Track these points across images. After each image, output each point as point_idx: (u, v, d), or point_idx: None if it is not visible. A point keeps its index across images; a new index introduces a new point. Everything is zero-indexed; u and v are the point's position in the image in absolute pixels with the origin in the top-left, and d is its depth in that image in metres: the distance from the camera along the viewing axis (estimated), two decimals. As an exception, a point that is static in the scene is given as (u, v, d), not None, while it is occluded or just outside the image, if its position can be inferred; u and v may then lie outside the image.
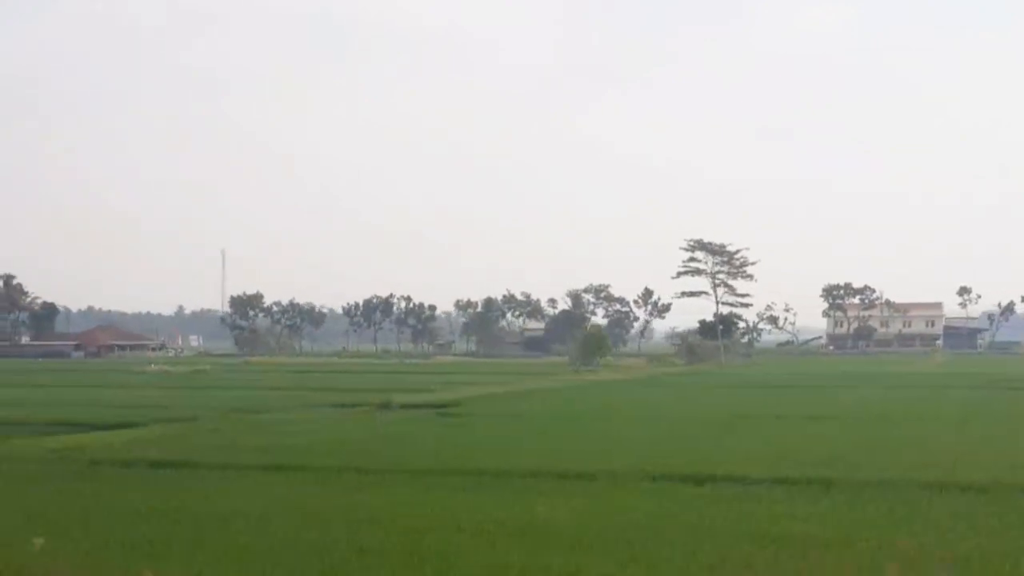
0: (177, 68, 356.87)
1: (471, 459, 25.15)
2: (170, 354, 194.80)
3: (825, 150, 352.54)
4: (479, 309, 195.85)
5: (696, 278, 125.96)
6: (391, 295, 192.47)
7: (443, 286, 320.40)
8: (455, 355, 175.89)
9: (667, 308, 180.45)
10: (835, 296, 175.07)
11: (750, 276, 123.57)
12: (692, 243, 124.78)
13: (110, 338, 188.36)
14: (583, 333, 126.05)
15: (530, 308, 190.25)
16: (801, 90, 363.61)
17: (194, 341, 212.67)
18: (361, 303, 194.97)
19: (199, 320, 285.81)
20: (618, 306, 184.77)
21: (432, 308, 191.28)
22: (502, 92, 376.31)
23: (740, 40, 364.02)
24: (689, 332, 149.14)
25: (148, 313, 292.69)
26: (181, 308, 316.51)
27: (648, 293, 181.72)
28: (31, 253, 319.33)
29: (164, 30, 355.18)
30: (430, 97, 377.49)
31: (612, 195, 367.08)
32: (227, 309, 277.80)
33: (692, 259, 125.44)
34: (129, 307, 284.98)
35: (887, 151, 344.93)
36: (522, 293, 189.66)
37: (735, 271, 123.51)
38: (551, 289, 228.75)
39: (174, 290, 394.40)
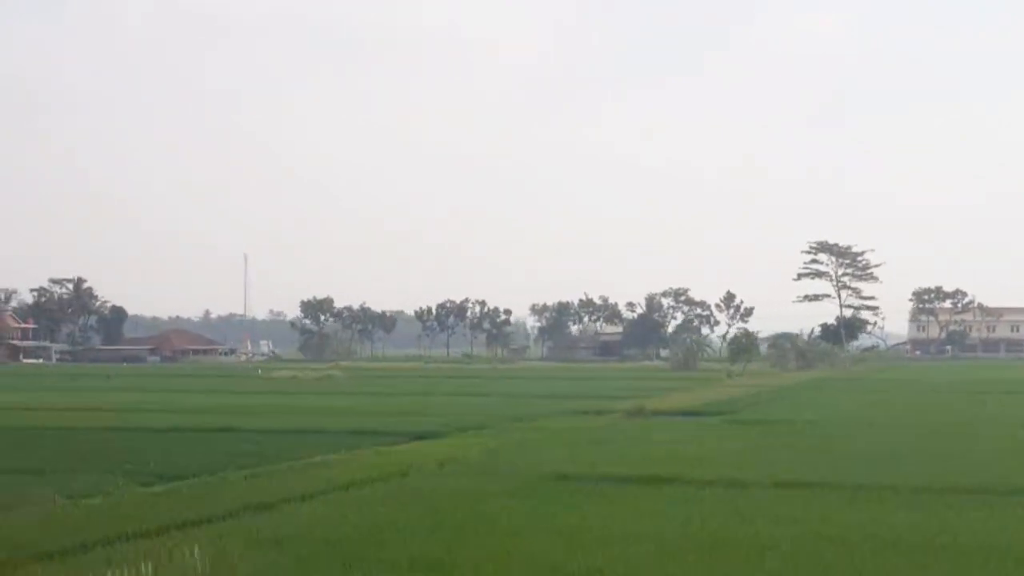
0: (189, 80, 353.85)
1: (851, 471, 22.56)
2: (242, 358, 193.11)
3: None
4: (551, 313, 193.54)
5: (817, 281, 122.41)
6: (466, 299, 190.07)
7: (517, 291, 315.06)
8: (527, 360, 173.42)
9: (749, 312, 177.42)
10: (925, 300, 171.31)
11: (875, 278, 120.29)
12: (815, 245, 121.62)
13: (184, 342, 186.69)
14: (689, 338, 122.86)
15: (607, 312, 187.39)
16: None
17: (265, 346, 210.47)
18: (434, 307, 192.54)
19: (256, 325, 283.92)
20: (699, 310, 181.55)
21: (507, 312, 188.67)
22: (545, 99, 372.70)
23: (752, 40, 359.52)
24: (796, 335, 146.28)
25: (179, 317, 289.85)
26: (207, 312, 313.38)
27: (730, 297, 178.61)
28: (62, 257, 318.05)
29: (175, 42, 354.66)
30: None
31: (693, 199, 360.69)
32: (251, 314, 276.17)
33: (814, 261, 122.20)
34: (160, 311, 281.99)
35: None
36: (600, 297, 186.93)
37: (860, 273, 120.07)
38: (629, 293, 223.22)
39: (198, 294, 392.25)
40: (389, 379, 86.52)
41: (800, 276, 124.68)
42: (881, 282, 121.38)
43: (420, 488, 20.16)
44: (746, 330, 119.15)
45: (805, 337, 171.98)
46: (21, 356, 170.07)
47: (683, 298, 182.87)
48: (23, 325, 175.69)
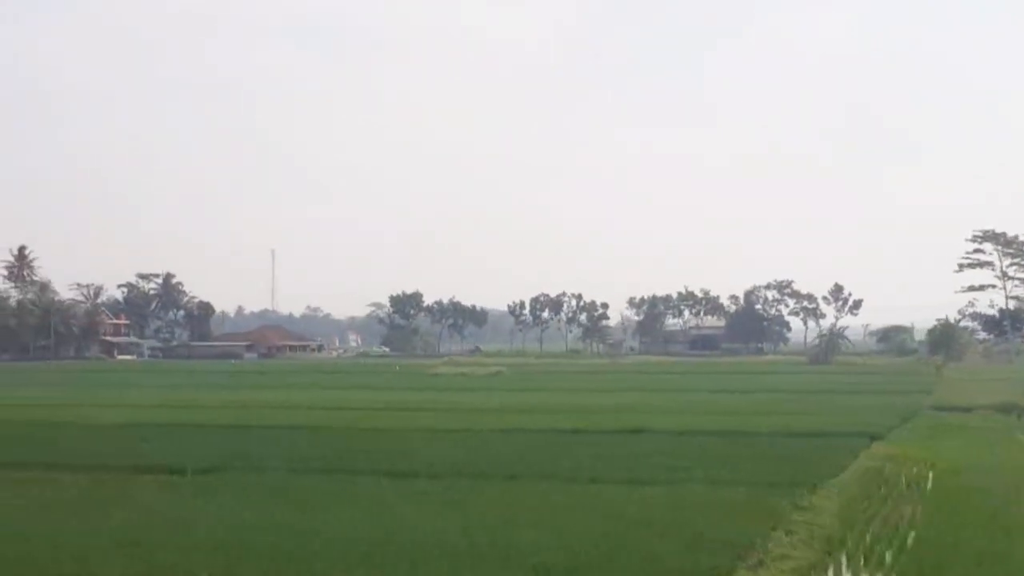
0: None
1: None
2: (333, 354, 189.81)
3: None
4: (648, 307, 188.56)
5: (981, 271, 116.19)
6: (562, 293, 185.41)
7: (612, 284, 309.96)
8: (633, 355, 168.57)
9: (858, 305, 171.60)
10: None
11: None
12: (980, 234, 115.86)
13: (278, 338, 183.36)
14: (939, 328, 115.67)
15: (709, 305, 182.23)
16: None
17: (353, 341, 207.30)
18: (528, 301, 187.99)
19: (331, 322, 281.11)
20: (805, 303, 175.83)
21: (604, 306, 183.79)
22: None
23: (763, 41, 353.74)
24: (909, 328, 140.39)
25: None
26: (240, 308, 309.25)
27: (838, 289, 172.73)
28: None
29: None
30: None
31: (801, 189, 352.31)
32: (276, 309, 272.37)
33: (977, 251, 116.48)
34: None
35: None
36: (701, 290, 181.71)
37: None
38: (731, 286, 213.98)
39: (225, 290, 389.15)
40: (561, 375, 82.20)
41: (962, 267, 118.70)
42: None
43: None
44: (947, 320, 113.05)
45: (915, 330, 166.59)
46: (115, 352, 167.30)
47: (787, 290, 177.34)
48: (118, 321, 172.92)
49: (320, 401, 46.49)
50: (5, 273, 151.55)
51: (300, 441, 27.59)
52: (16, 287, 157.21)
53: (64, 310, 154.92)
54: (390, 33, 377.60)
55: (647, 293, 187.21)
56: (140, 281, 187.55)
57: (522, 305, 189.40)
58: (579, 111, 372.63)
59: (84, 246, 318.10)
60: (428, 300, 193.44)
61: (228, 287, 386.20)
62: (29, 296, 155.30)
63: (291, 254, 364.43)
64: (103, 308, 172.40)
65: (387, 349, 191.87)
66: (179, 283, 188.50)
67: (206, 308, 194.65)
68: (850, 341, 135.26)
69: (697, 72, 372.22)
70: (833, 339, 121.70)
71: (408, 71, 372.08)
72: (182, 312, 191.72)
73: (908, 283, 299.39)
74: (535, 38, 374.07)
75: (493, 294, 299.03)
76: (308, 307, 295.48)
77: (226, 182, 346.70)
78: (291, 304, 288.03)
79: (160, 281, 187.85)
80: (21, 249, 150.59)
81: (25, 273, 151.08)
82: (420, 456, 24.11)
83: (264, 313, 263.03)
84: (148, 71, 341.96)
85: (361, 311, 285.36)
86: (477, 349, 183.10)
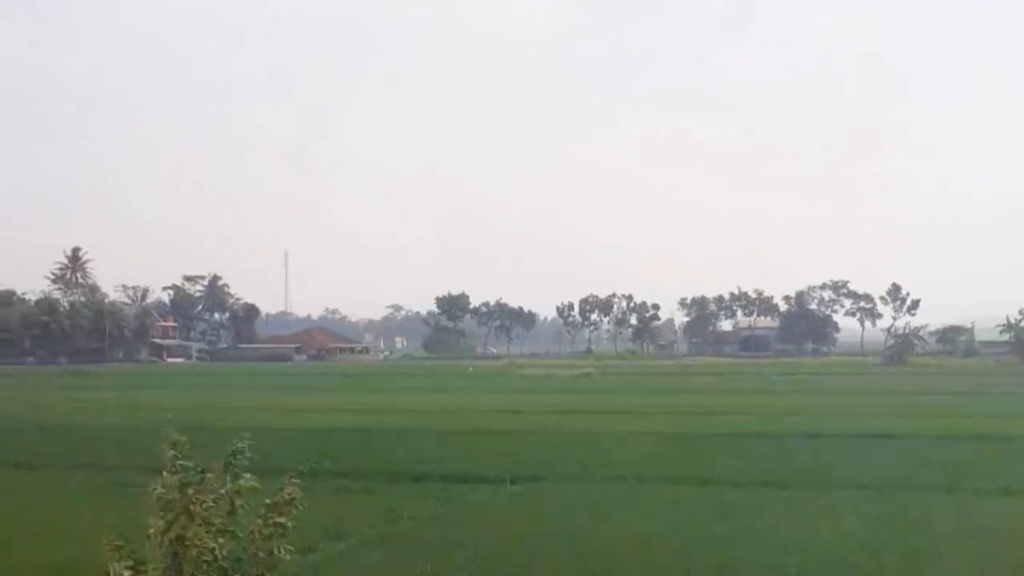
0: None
1: None
2: (380, 356, 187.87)
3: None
4: (699, 308, 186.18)
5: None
6: (613, 294, 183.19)
7: (662, 285, 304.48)
8: (684, 356, 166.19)
9: (916, 305, 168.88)
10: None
11: None
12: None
13: (327, 340, 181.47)
14: (903, 331, 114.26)
15: (763, 305, 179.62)
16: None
17: (399, 343, 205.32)
18: (576, 303, 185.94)
19: (387, 321, 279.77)
20: (862, 303, 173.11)
21: (656, 307, 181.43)
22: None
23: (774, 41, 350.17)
24: (967, 329, 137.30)
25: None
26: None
27: (896, 289, 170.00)
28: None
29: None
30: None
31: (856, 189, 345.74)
32: (292, 311, 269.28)
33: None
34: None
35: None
36: (754, 290, 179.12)
37: None
38: (785, 286, 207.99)
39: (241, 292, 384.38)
40: (652, 377, 79.71)
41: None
42: None
43: None
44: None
45: (975, 330, 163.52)
46: (165, 355, 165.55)
47: (843, 290, 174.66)
48: (166, 323, 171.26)
49: (463, 404, 44.13)
50: (57, 274, 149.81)
51: (543, 447, 25.23)
52: (62, 289, 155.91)
53: (115, 312, 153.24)
54: (419, 34, 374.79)
55: (695, 294, 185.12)
56: (185, 283, 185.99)
57: (570, 307, 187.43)
58: (623, 110, 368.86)
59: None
60: (472, 302, 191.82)
61: (237, 289, 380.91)
62: (80, 299, 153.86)
63: (302, 256, 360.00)
64: (152, 310, 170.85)
65: (403, 348, 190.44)
66: (225, 285, 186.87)
67: (251, 310, 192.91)
68: (925, 341, 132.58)
69: (741, 65, 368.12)
70: (908, 340, 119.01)
71: (434, 72, 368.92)
72: (227, 314, 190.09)
73: (962, 282, 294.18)
74: (552, 36, 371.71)
75: (535, 297, 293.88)
76: (327, 309, 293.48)
77: (237, 183, 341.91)
78: (304, 307, 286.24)
79: (206, 283, 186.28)
80: (75, 251, 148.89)
81: (78, 275, 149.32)
82: (705, 463, 21.89)
83: (281, 316, 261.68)
84: (170, 74, 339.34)
85: (376, 313, 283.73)
86: (495, 352, 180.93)
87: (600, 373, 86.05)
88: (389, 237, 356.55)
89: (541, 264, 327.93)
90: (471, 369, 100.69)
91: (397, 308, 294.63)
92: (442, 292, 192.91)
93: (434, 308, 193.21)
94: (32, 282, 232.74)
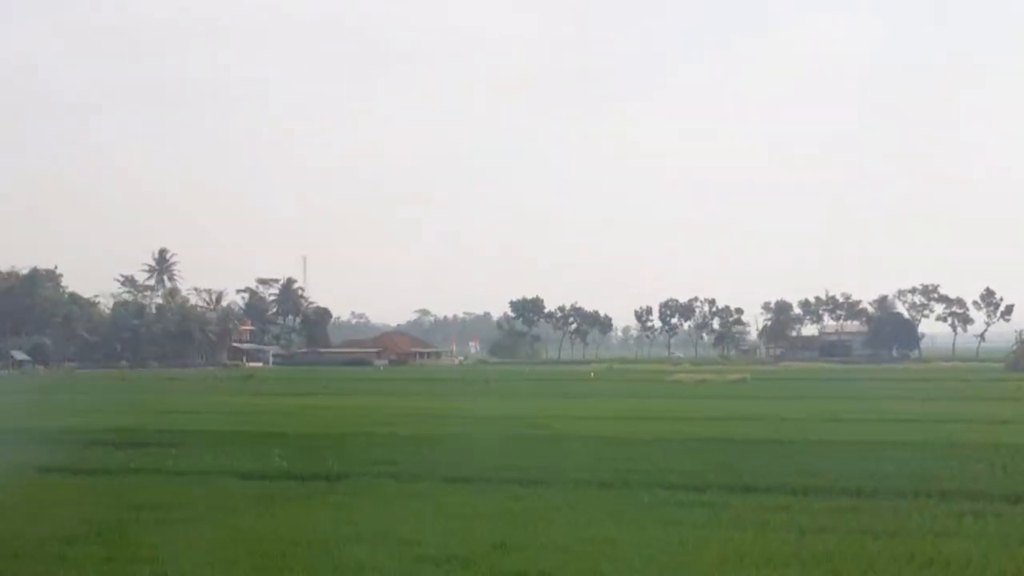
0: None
1: None
2: (456, 361, 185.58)
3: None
4: (779, 312, 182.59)
5: None
6: (694, 297, 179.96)
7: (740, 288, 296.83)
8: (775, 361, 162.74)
9: (1009, 310, 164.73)
10: None
11: None
12: None
13: (406, 345, 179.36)
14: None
15: (850, 310, 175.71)
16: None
17: (473, 348, 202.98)
18: (656, 307, 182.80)
19: (457, 325, 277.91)
20: (954, 308, 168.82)
21: (739, 311, 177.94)
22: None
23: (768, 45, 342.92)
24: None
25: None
26: None
27: (989, 293, 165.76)
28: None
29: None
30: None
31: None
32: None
33: None
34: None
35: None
36: (842, 294, 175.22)
37: None
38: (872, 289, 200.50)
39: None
40: (800, 383, 76.52)
41: None
42: None
43: None
44: None
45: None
46: (244, 359, 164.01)
47: (934, 295, 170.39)
48: (246, 327, 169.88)
49: (616, 411, 40.97)
50: (146, 276, 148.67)
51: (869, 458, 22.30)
52: (131, 292, 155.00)
53: (200, 316, 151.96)
54: (447, 42, 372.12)
55: (775, 298, 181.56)
56: (259, 286, 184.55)
57: (649, 311, 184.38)
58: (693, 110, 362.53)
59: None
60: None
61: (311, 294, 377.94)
62: (162, 302, 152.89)
63: (319, 261, 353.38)
64: (232, 314, 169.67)
65: (478, 352, 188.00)
66: (299, 288, 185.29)
67: (323, 314, 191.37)
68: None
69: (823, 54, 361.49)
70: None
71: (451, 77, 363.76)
72: (299, 318, 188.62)
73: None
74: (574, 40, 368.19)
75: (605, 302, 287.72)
76: (353, 313, 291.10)
77: (253, 186, 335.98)
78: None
79: (280, 286, 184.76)
80: (162, 252, 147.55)
81: (165, 277, 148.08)
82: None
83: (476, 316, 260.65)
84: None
85: (401, 317, 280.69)
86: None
87: (753, 378, 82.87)
88: (416, 239, 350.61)
89: (611, 269, 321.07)
90: (592, 375, 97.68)
91: (425, 312, 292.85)
92: (516, 296, 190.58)
93: (483, 311, 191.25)
94: (96, 284, 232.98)
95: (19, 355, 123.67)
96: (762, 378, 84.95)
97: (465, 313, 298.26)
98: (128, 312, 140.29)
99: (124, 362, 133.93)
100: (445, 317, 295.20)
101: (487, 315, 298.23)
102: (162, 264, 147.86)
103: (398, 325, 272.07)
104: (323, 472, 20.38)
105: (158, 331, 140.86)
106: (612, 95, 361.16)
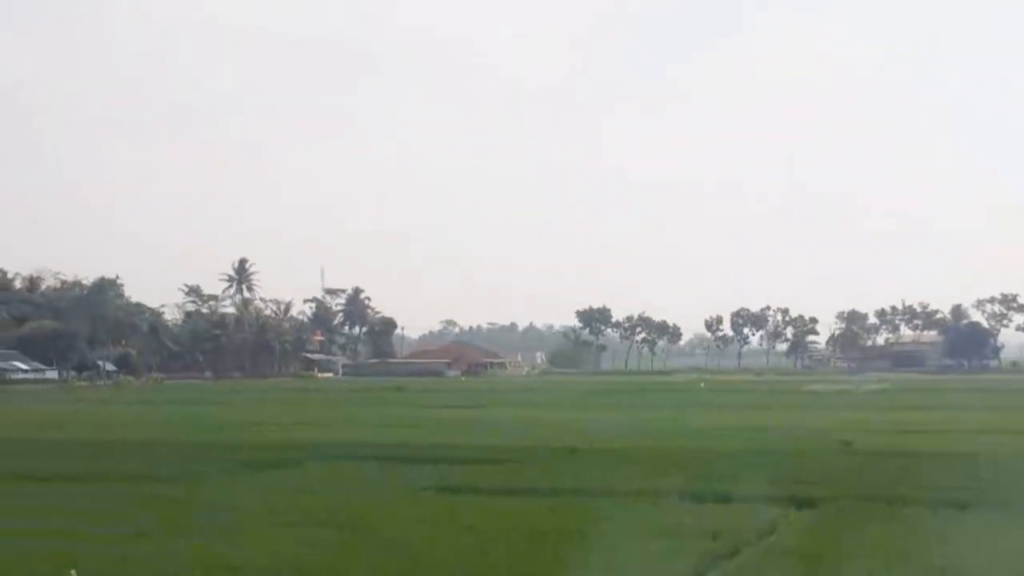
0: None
1: None
2: (523, 371, 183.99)
3: None
4: (851, 321, 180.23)
5: None
6: (767, 307, 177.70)
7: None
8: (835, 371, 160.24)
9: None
10: None
11: None
12: None
13: (476, 355, 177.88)
14: None
15: (928, 319, 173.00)
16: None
17: (539, 358, 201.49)
18: (728, 316, 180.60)
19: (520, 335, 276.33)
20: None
21: (814, 320, 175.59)
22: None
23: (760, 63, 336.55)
24: None
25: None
26: None
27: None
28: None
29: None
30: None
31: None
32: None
33: None
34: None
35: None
36: (919, 303, 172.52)
37: None
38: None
39: None
40: (942, 393, 74.21)
41: None
42: None
43: None
44: None
45: None
46: (316, 370, 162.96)
47: (1014, 304, 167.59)
48: (319, 337, 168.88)
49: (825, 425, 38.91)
50: (226, 285, 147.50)
51: None
52: (195, 302, 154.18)
53: (277, 326, 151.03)
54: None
55: (848, 307, 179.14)
56: (326, 296, 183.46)
57: (719, 320, 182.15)
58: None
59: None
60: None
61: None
62: (235, 312, 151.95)
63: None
64: (303, 324, 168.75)
65: (541, 363, 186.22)
66: (366, 298, 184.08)
67: (388, 324, 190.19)
68: None
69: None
70: None
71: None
72: (364, 328, 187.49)
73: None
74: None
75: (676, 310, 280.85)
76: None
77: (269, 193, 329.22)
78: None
79: (346, 296, 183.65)
80: (242, 262, 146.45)
81: (244, 287, 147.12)
82: None
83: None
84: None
85: (427, 327, 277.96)
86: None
87: (892, 387, 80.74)
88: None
89: (682, 279, 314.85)
90: (702, 385, 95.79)
91: (451, 323, 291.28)
92: (582, 305, 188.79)
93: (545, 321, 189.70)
94: (156, 295, 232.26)
95: (106, 366, 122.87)
96: (903, 388, 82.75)
97: (489, 324, 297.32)
98: (210, 322, 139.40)
99: (208, 373, 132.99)
100: (471, 327, 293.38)
101: (514, 325, 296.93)
102: (241, 274, 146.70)
103: (430, 332, 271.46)
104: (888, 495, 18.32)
105: (238, 341, 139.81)
106: (674, 98, 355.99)
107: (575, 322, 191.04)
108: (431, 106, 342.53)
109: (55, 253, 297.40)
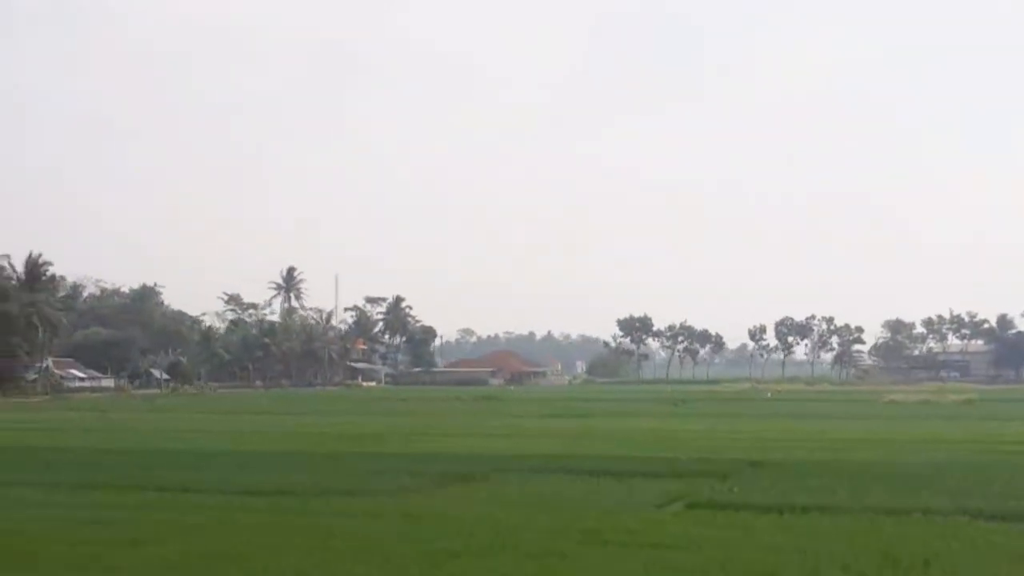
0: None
1: None
2: (566, 381, 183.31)
3: None
4: (896, 330, 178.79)
5: None
6: (812, 316, 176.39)
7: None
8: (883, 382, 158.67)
9: None
10: None
11: None
12: None
13: (518, 364, 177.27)
14: None
15: (974, 329, 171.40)
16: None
17: (580, 367, 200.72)
18: (772, 325, 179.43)
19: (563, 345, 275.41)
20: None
21: (859, 330, 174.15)
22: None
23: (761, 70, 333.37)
24: None
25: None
26: None
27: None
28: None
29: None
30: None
31: None
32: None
33: None
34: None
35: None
36: (967, 312, 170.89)
37: None
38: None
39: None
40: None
41: None
42: None
43: None
44: None
45: None
46: (360, 378, 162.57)
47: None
48: (362, 346, 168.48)
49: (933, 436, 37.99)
50: (273, 293, 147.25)
51: None
52: (235, 311, 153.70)
53: (322, 335, 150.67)
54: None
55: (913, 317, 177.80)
56: (367, 305, 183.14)
57: (763, 329, 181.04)
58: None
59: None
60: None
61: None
62: (280, 320, 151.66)
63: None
64: (345, 333, 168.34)
65: (582, 372, 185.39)
66: (408, 307, 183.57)
67: (429, 333, 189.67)
68: None
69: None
70: None
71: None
72: (404, 337, 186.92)
73: None
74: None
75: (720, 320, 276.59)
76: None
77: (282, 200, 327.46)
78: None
79: (387, 305, 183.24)
80: (290, 270, 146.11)
81: (292, 295, 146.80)
82: None
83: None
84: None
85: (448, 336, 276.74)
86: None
87: (980, 399, 79.71)
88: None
89: (723, 286, 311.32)
90: (769, 395, 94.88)
91: (468, 332, 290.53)
92: (623, 315, 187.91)
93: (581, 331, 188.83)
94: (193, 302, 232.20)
95: (159, 374, 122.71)
96: (990, 399, 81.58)
97: (506, 332, 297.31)
98: (261, 331, 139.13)
99: (258, 382, 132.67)
100: (488, 336, 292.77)
101: (532, 334, 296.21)
102: (289, 282, 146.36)
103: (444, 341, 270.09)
104: None
105: (285, 350, 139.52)
106: (674, 99, 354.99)
107: (614, 331, 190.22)
108: (431, 114, 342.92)
109: (93, 263, 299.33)
